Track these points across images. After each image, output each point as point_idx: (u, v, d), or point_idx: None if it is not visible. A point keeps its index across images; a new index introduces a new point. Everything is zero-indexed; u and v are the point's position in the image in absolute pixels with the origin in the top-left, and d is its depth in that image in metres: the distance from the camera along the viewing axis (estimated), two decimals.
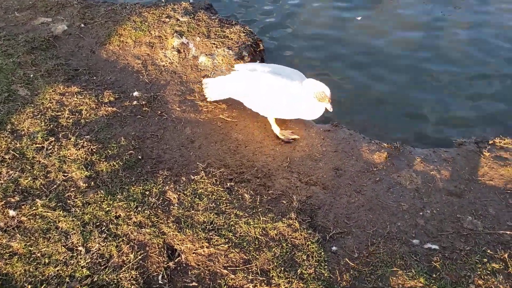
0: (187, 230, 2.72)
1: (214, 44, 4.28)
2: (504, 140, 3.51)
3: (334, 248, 2.69)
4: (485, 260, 2.59)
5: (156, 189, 2.97)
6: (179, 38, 4.26)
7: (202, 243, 2.66)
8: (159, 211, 2.83)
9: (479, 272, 2.52)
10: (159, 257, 2.58)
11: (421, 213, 2.92)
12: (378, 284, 2.48)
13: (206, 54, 4.19)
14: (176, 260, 2.59)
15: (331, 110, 3.19)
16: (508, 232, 2.76)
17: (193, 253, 2.62)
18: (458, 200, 3.02)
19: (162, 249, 2.63)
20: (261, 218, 2.81)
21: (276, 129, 3.50)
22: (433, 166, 3.28)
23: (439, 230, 2.81)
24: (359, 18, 5.28)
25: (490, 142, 3.53)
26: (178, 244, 2.67)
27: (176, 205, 2.88)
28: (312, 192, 3.08)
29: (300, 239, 2.70)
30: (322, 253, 2.63)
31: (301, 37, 5.02)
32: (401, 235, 2.77)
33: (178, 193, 2.95)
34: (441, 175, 3.20)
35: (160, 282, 2.47)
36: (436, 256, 2.63)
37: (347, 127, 3.66)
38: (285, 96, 3.25)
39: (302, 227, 2.77)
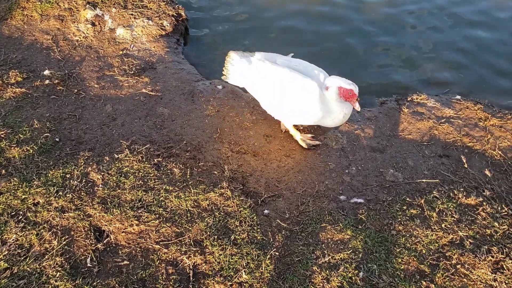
0: (114, 210, 2.60)
1: (132, 15, 4.03)
2: (421, 96, 3.74)
3: (266, 211, 2.73)
4: (405, 207, 2.78)
5: (77, 171, 2.79)
6: (92, 9, 3.96)
7: (132, 221, 2.57)
8: (83, 194, 2.67)
9: (399, 219, 2.71)
10: (86, 240, 2.46)
11: (347, 171, 3.05)
12: (309, 241, 2.57)
13: (124, 26, 3.94)
14: (105, 241, 2.48)
15: (359, 109, 2.83)
16: (424, 180, 2.98)
17: (123, 232, 2.53)
18: (381, 156, 3.19)
19: (89, 231, 2.50)
20: (192, 191, 2.77)
21: (296, 135, 3.20)
22: (357, 126, 3.42)
23: (364, 184, 2.96)
24: None
25: (409, 98, 3.75)
26: (105, 225, 2.55)
27: (100, 185, 2.74)
28: (244, 160, 3.08)
29: (232, 207, 2.71)
30: (255, 217, 2.66)
31: (228, 5, 4.89)
32: (329, 193, 2.89)
33: (102, 173, 2.80)
34: (365, 134, 3.35)
35: (89, 265, 2.36)
36: (361, 209, 2.78)
37: None
38: (308, 101, 2.86)
39: (234, 195, 2.78)
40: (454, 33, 4.68)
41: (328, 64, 4.24)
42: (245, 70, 3.06)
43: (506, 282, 2.35)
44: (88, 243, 2.45)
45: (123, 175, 2.81)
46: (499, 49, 4.46)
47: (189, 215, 2.64)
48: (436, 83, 4.16)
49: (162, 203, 2.68)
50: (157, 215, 2.61)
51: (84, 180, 2.75)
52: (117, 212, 2.60)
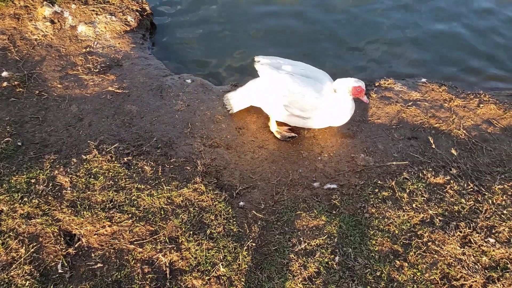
0: (84, 213, 2.53)
1: (93, 10, 3.90)
2: (388, 81, 3.80)
3: (241, 203, 2.72)
4: (377, 190, 2.83)
5: (43, 175, 2.70)
6: (50, 6, 3.80)
7: (104, 222, 2.51)
8: (50, 198, 2.58)
9: (372, 202, 2.76)
10: (56, 246, 2.38)
11: (319, 158, 3.08)
12: (285, 229, 2.59)
13: (85, 23, 3.81)
14: (76, 245, 2.41)
15: (367, 101, 3.06)
16: (394, 163, 3.05)
17: (95, 234, 2.46)
18: (351, 141, 3.23)
19: (58, 236, 2.43)
20: (165, 188, 2.73)
21: (273, 127, 3.23)
22: None
23: (336, 170, 3.00)
24: None
25: (376, 84, 3.80)
26: (76, 228, 2.48)
27: (69, 188, 2.65)
28: (217, 154, 3.05)
29: (207, 201, 2.69)
30: (230, 210, 2.65)
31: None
32: (303, 181, 2.90)
33: (70, 175, 2.72)
34: None
35: (60, 271, 2.29)
36: (335, 194, 2.81)
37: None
38: (322, 104, 2.98)
39: (208, 189, 2.75)
40: (417, 29, 4.69)
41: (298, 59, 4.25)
42: (251, 90, 3.20)
43: (474, 255, 2.44)
44: (58, 248, 2.37)
45: (92, 176, 2.74)
46: (459, 42, 4.53)
47: (163, 212, 2.60)
48: (401, 76, 4.21)
49: (135, 202, 2.63)
50: (130, 215, 2.56)
51: (50, 184, 2.66)
52: (87, 214, 2.53)
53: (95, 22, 3.84)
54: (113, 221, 2.52)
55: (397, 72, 4.23)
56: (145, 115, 3.24)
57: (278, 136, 3.22)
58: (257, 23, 4.55)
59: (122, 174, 2.77)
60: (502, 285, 2.31)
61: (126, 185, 2.71)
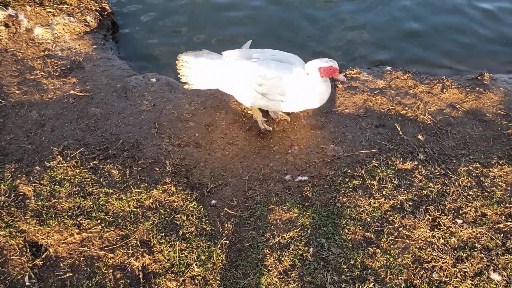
0: (51, 222, 2.45)
1: (50, 12, 3.75)
2: (354, 70, 3.84)
3: (213, 201, 2.70)
4: (347, 180, 2.86)
5: (4, 185, 2.58)
6: (3, 10, 3.63)
7: (71, 230, 2.43)
8: (13, 209, 2.48)
9: (343, 191, 2.78)
10: (22, 258, 2.29)
11: (290, 151, 3.08)
12: (258, 225, 2.58)
13: (42, 25, 3.67)
14: (43, 256, 2.33)
15: (344, 79, 2.98)
16: (363, 151, 3.09)
17: (63, 243, 2.38)
18: (320, 132, 3.25)
19: (24, 248, 2.33)
20: (134, 191, 2.67)
21: (259, 117, 3.18)
22: None
23: (307, 162, 3.01)
24: None
25: (343, 74, 3.83)
26: (42, 238, 2.39)
27: (32, 198, 2.55)
28: (186, 153, 3.01)
29: (178, 202, 2.65)
30: (202, 209, 2.62)
31: None
32: (275, 174, 2.90)
33: (33, 184, 2.62)
34: (304, 113, 3.40)
35: (27, 283, 2.21)
36: (306, 186, 2.82)
37: None
38: (296, 87, 2.92)
39: (178, 190, 2.71)
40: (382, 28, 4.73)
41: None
42: (216, 72, 2.98)
43: (443, 236, 2.51)
44: (24, 260, 2.28)
45: (57, 183, 2.64)
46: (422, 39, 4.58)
47: (133, 216, 2.54)
48: (368, 62, 4.28)
49: (103, 207, 2.56)
50: (99, 220, 2.49)
51: (13, 194, 2.55)
52: (54, 223, 2.44)
53: (52, 24, 3.70)
54: (82, 228, 2.44)
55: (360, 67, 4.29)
56: (110, 118, 3.16)
57: (262, 126, 3.21)
58: (220, 17, 4.51)
59: (89, 179, 2.69)
60: (470, 264, 2.38)
61: (94, 190, 2.63)
